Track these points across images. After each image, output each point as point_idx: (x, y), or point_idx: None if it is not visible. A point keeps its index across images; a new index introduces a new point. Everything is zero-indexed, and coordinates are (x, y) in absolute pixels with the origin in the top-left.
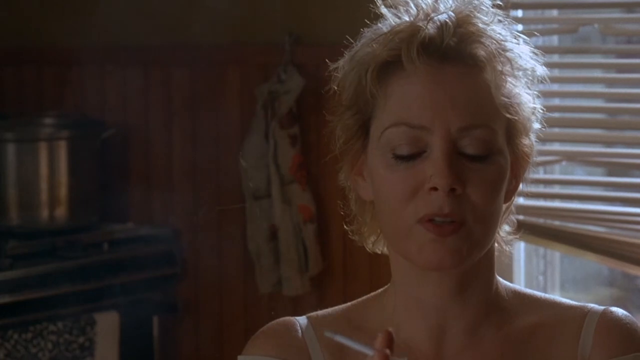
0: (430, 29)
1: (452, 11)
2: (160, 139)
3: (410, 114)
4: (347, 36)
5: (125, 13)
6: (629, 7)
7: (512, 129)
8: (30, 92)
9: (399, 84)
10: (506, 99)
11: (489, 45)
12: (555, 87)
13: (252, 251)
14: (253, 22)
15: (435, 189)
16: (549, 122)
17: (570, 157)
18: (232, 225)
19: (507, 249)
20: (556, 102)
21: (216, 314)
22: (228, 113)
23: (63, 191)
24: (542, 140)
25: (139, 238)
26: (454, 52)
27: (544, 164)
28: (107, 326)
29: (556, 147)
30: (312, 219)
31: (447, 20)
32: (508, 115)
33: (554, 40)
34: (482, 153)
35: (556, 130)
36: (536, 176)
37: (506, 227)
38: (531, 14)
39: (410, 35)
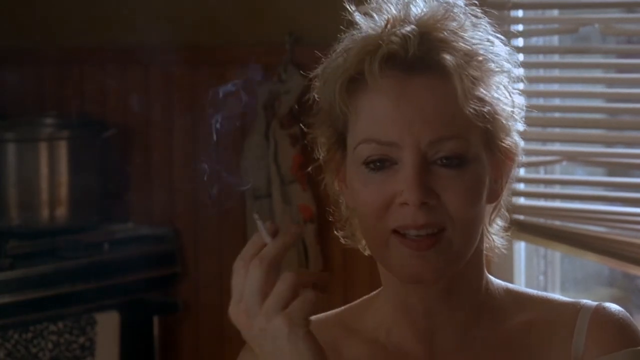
0: (393, 42)
1: (421, 18)
2: (160, 139)
3: (378, 131)
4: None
5: (125, 13)
6: (629, 7)
7: (490, 134)
8: (30, 92)
9: (367, 98)
10: (478, 107)
11: (457, 52)
12: (556, 87)
13: None
14: (253, 21)
15: (406, 203)
16: (549, 122)
17: (571, 157)
18: (232, 225)
19: (500, 244)
20: (557, 102)
21: (216, 314)
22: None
23: (63, 191)
24: (543, 140)
25: (139, 238)
26: (420, 63)
27: (544, 164)
28: (107, 326)
29: (557, 147)
30: (313, 219)
31: (411, 31)
32: (480, 124)
33: (555, 40)
34: (455, 162)
35: (557, 130)
36: (537, 176)
37: (499, 223)
38: (532, 14)
39: (372, 51)
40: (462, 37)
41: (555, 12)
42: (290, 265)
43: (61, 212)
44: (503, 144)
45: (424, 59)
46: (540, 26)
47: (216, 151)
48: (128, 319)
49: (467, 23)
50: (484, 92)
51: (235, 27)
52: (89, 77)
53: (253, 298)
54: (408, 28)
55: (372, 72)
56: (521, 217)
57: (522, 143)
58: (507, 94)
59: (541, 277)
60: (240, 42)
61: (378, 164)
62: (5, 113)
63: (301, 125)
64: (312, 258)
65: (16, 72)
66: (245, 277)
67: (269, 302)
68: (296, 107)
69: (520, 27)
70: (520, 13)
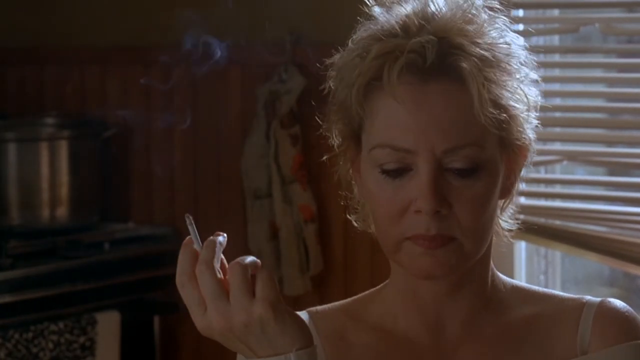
0: (412, 51)
1: (440, 21)
2: (160, 138)
3: (394, 137)
4: (347, 36)
5: (126, 13)
6: (629, 7)
7: (506, 138)
8: (31, 91)
9: (383, 103)
10: (494, 115)
11: (474, 58)
12: (557, 87)
13: (253, 251)
14: (254, 21)
15: (420, 211)
16: (550, 122)
17: (571, 157)
18: (233, 225)
19: (507, 235)
20: (557, 101)
21: None
22: (228, 113)
23: (64, 191)
24: (543, 139)
25: (140, 238)
26: (438, 69)
27: (545, 163)
28: (108, 326)
29: (557, 146)
30: (313, 219)
31: (430, 40)
32: (495, 131)
33: (555, 39)
34: (469, 168)
35: (557, 129)
36: (537, 176)
37: (509, 211)
38: (532, 13)
39: (391, 59)
40: (479, 43)
41: (555, 12)
42: (292, 265)
43: (61, 211)
44: (518, 143)
45: (441, 65)
46: (541, 26)
47: (216, 151)
48: (128, 319)
49: (485, 25)
50: (500, 98)
51: (235, 27)
52: (89, 77)
53: (220, 301)
54: (427, 37)
55: (390, 80)
56: (522, 216)
57: (533, 136)
58: (523, 96)
59: (542, 277)
60: (240, 42)
61: (394, 171)
62: (6, 113)
63: (320, 116)
64: (312, 258)
65: (16, 72)
66: (197, 288)
67: (237, 297)
68: (296, 106)
69: (520, 27)
70: (520, 13)
